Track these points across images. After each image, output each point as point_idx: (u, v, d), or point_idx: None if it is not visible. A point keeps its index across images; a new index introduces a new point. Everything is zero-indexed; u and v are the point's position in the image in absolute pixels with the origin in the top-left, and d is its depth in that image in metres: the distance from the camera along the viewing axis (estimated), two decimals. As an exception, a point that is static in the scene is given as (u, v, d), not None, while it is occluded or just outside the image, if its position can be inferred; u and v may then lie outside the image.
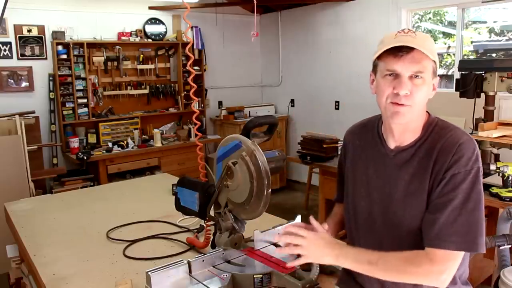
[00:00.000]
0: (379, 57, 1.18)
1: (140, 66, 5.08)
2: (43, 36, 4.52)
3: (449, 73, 4.79)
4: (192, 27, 5.31)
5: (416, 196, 1.17)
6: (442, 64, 5.03)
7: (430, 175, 1.16)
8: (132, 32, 5.03)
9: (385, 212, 1.24)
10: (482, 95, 3.07)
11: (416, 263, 1.10)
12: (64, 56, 4.54)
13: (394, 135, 1.24)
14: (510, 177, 2.53)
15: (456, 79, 3.26)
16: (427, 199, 1.16)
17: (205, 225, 1.70)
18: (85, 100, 4.69)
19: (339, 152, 3.77)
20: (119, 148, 4.68)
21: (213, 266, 1.38)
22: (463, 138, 1.15)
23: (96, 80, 4.81)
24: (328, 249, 1.18)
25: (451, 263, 1.10)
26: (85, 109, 4.70)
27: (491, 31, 4.41)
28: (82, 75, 4.67)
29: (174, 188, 1.86)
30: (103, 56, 4.81)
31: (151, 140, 4.98)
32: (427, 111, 1.25)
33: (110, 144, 4.69)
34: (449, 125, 1.22)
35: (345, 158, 1.43)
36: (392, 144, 1.25)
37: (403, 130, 1.22)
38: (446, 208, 1.11)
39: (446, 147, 1.15)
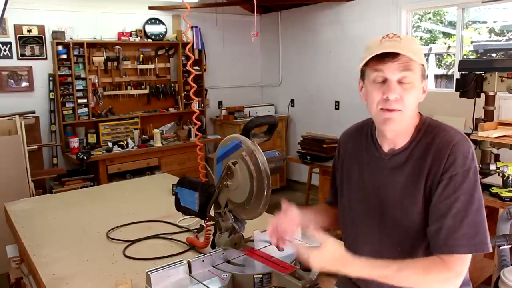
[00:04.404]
0: (366, 64, 1.17)
1: (140, 66, 5.08)
2: (43, 36, 4.52)
3: (449, 73, 4.79)
4: (192, 27, 5.31)
5: (412, 198, 1.16)
6: (442, 64, 5.04)
7: (426, 177, 1.14)
8: (132, 32, 5.03)
9: (382, 216, 1.23)
10: (482, 95, 3.07)
11: (435, 271, 1.08)
12: (64, 56, 4.54)
13: (387, 139, 1.23)
14: (510, 177, 2.53)
15: (456, 79, 3.26)
16: (423, 202, 1.15)
17: (205, 225, 1.70)
18: (85, 100, 4.69)
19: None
20: (119, 148, 4.68)
21: (213, 266, 1.38)
22: (457, 138, 1.14)
23: (96, 80, 4.81)
24: (339, 266, 1.11)
25: (465, 266, 1.09)
26: (85, 109, 4.70)
27: (491, 31, 4.41)
28: (82, 75, 4.66)
29: (174, 188, 1.86)
30: (103, 56, 4.81)
31: (151, 140, 4.98)
32: (418, 112, 1.24)
33: (110, 144, 4.68)
34: (441, 124, 1.21)
35: (339, 161, 1.42)
36: (386, 148, 1.24)
37: (397, 134, 1.21)
38: (450, 211, 1.09)
39: (440, 148, 1.13)
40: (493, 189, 2.56)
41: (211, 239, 1.62)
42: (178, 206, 1.70)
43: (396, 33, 1.18)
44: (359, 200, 1.29)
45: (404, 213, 1.18)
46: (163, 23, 5.24)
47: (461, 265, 1.08)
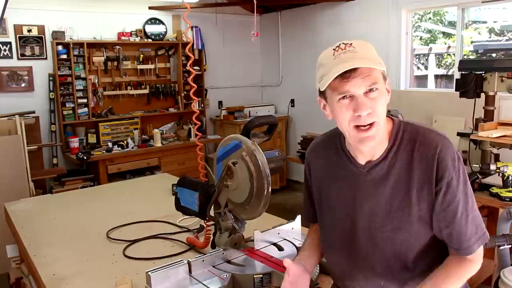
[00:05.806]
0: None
1: (140, 66, 5.08)
2: (43, 36, 4.52)
3: (449, 73, 4.79)
4: (192, 27, 5.32)
5: (401, 209, 1.12)
6: (442, 64, 5.03)
7: (416, 187, 1.10)
8: (132, 32, 5.04)
9: (369, 231, 1.17)
10: (482, 95, 3.07)
11: (465, 271, 1.13)
12: (64, 56, 4.54)
13: (363, 152, 1.15)
14: (510, 177, 2.53)
15: (456, 79, 3.26)
16: (417, 211, 1.11)
17: (205, 225, 1.70)
18: (85, 100, 4.69)
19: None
20: (119, 148, 4.69)
21: (213, 266, 1.38)
22: (440, 142, 1.10)
23: (96, 80, 4.81)
24: None
25: (482, 251, 1.14)
26: (85, 109, 4.70)
27: (491, 31, 4.41)
28: (82, 75, 4.67)
29: (174, 188, 1.86)
30: (103, 56, 4.81)
31: (151, 140, 4.98)
32: (389, 116, 1.17)
33: (110, 144, 4.69)
34: (417, 127, 1.15)
35: (311, 181, 1.33)
36: (362, 160, 1.17)
37: (372, 145, 1.14)
38: (455, 216, 1.10)
39: (426, 156, 1.10)
40: (493, 189, 2.56)
41: (211, 239, 1.62)
42: (178, 206, 1.70)
43: (346, 41, 1.11)
44: (342, 219, 1.21)
45: (393, 225, 1.13)
46: (163, 23, 5.24)
47: (480, 251, 1.14)
